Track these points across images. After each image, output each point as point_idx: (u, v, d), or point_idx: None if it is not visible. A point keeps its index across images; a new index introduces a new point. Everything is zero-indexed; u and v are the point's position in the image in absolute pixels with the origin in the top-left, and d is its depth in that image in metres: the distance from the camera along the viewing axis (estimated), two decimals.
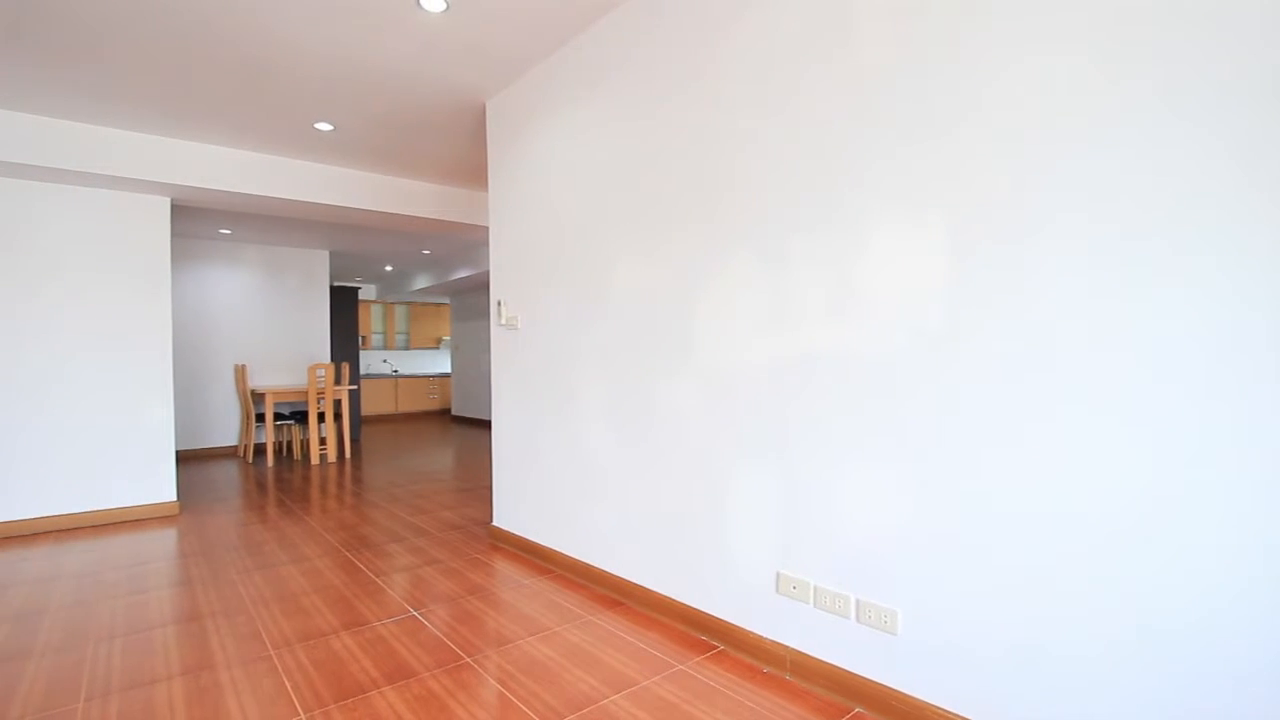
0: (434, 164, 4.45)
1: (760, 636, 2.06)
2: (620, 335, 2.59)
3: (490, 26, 2.66)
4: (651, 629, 2.34)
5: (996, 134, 1.48)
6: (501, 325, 3.31)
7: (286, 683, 1.98)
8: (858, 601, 1.79)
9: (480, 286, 9.14)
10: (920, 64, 1.62)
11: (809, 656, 1.91)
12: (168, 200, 4.23)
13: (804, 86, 1.89)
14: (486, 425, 9.31)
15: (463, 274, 7.99)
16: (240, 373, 6.56)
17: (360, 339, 8.15)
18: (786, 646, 1.98)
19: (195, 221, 5.87)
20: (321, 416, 6.66)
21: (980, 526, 1.53)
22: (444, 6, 2.49)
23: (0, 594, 2.78)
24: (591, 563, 2.77)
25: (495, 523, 3.45)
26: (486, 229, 5.36)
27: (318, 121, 3.65)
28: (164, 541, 3.57)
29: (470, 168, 4.54)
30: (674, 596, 2.38)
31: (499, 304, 3.33)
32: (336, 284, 7.79)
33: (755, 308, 2.04)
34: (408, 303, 11.50)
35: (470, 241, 7.02)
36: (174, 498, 4.25)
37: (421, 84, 3.17)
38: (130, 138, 3.79)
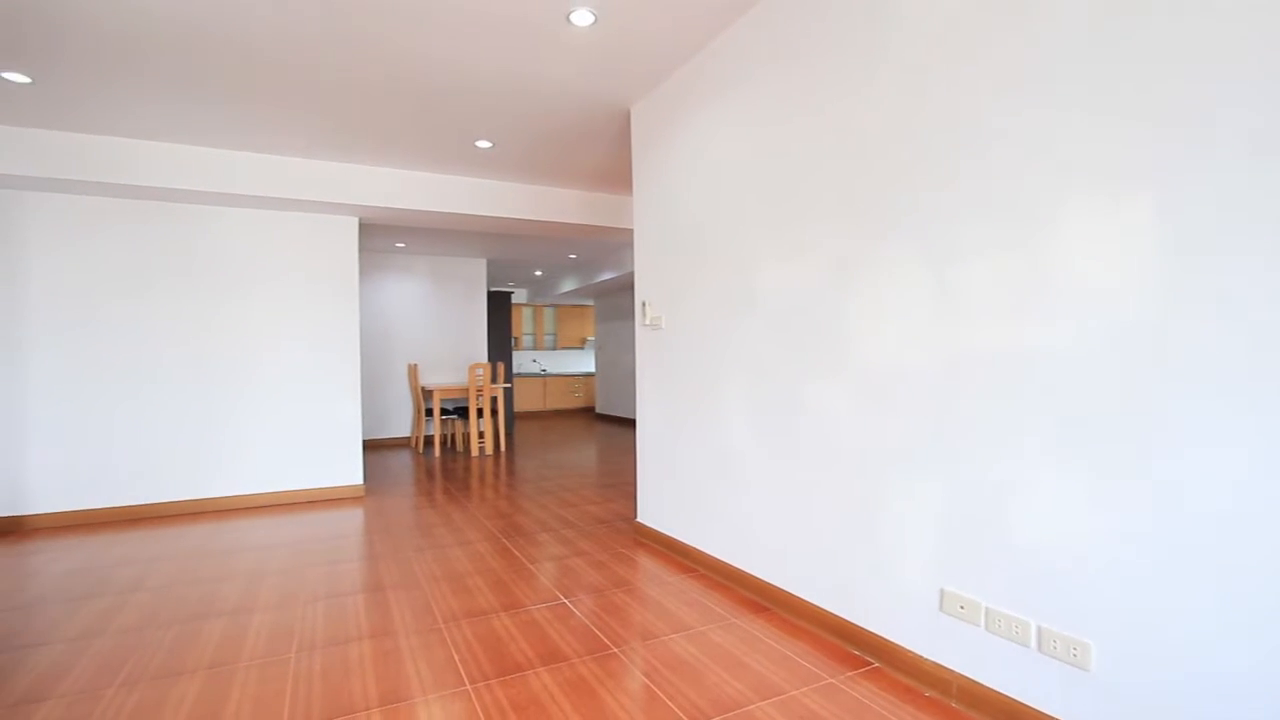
0: (581, 172, 4.65)
1: (920, 656, 1.91)
2: (766, 335, 2.54)
3: (635, 36, 2.72)
4: (798, 637, 2.26)
5: (1228, 94, 1.25)
6: (645, 325, 3.38)
7: (455, 655, 2.16)
8: (1039, 629, 1.60)
9: (623, 288, 9.42)
10: (1130, 15, 1.41)
11: (979, 684, 1.74)
12: (356, 219, 4.80)
13: (979, 56, 1.72)
14: (629, 423, 9.57)
15: (607, 276, 8.28)
16: (412, 372, 7.29)
17: (513, 340, 8.75)
18: (951, 670, 1.82)
19: (376, 237, 6.61)
20: (480, 412, 7.22)
21: (1216, 557, 1.30)
22: (592, 20, 2.59)
23: (232, 557, 3.31)
24: (735, 564, 2.74)
25: (639, 518, 3.52)
26: (630, 232, 5.51)
27: (478, 140, 3.96)
28: (353, 520, 4.06)
29: (615, 173, 4.69)
30: (822, 605, 2.28)
31: (643, 304, 3.40)
32: (492, 289, 8.41)
33: (917, 304, 1.90)
34: (555, 305, 12.13)
35: (614, 244, 7.25)
36: (361, 481, 4.82)
37: (572, 96, 3.33)
38: (326, 167, 4.35)
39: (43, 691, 1.95)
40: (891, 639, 2.02)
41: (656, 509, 3.34)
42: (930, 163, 1.85)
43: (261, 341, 4.53)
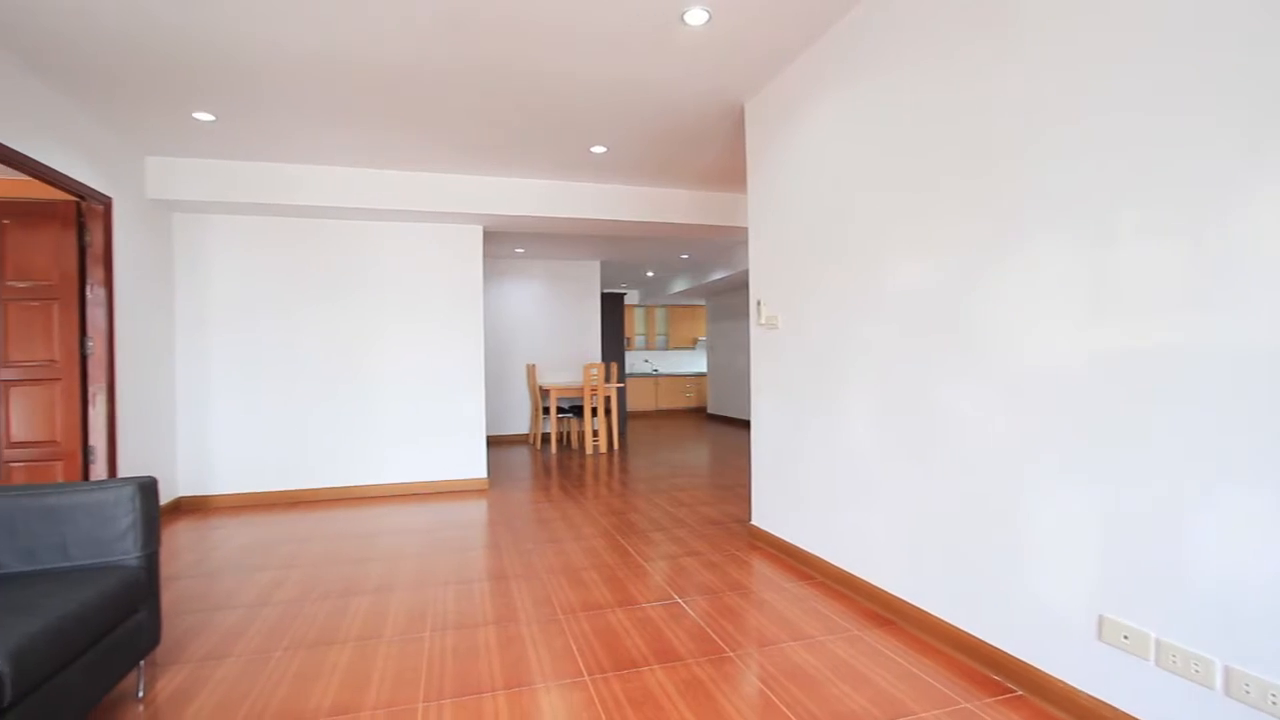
0: (693, 171, 4.64)
1: (1073, 688, 1.72)
2: (892, 333, 2.39)
3: (749, 31, 2.67)
4: (926, 655, 2.11)
5: None
6: (761, 325, 3.31)
7: (573, 645, 2.22)
8: (1227, 669, 1.38)
9: (736, 287, 9.31)
10: None
11: None
12: (480, 228, 5.09)
13: (1147, 22, 1.53)
14: (741, 424, 9.43)
15: (719, 276, 8.22)
16: (531, 371, 7.62)
17: (625, 340, 8.91)
18: (1114, 708, 1.62)
19: (497, 244, 6.98)
20: (594, 411, 7.42)
21: None
22: (706, 18, 2.57)
23: (373, 540, 3.61)
24: (856, 574, 2.61)
25: (753, 521, 3.46)
26: (743, 230, 5.43)
27: (593, 146, 4.06)
28: (477, 511, 4.30)
29: (727, 171, 4.64)
30: (954, 622, 2.12)
31: (758, 303, 3.33)
32: (606, 291, 8.61)
33: (1069, 297, 1.71)
34: (666, 305, 12.22)
35: (726, 243, 7.18)
36: (484, 475, 5.10)
37: (685, 96, 3.32)
38: (454, 180, 4.64)
39: (225, 649, 2.23)
40: (1038, 665, 1.83)
41: (772, 513, 3.26)
42: (1084, 139, 1.65)
43: (397, 344, 4.92)
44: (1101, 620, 1.64)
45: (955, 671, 2.00)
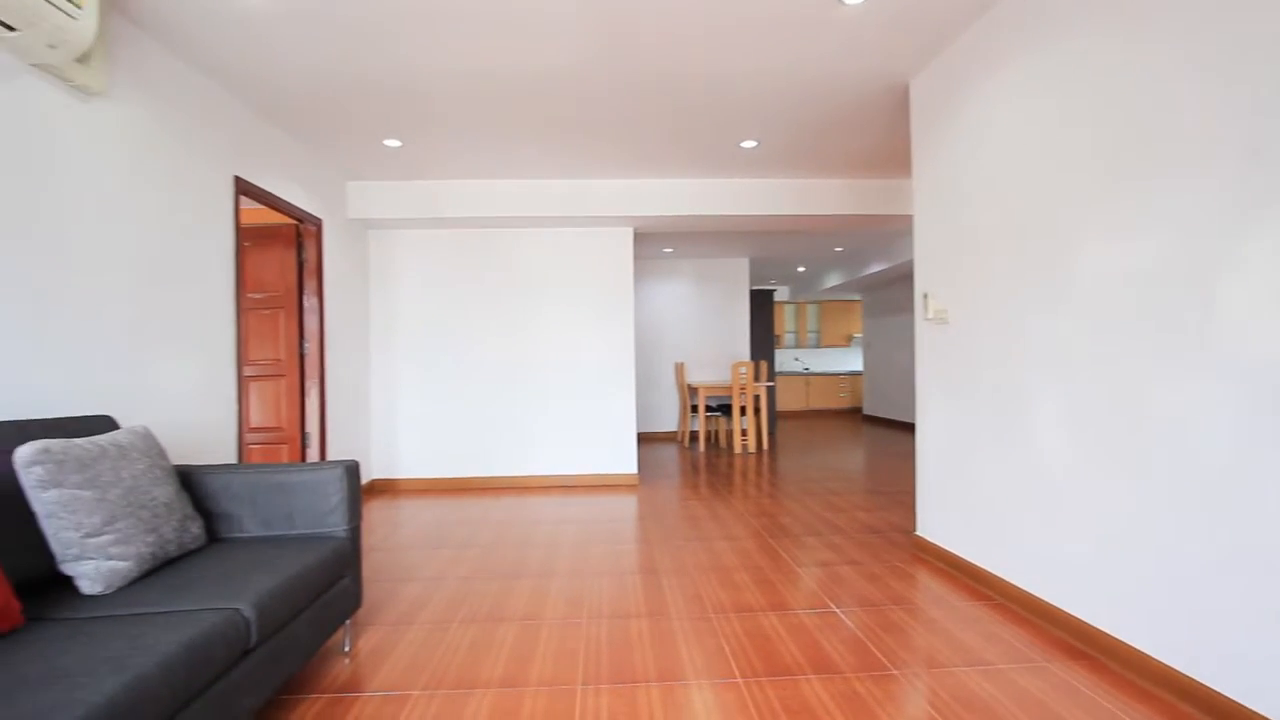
0: (848, 159, 4.40)
1: None
2: (1087, 325, 2.09)
3: (913, 3, 2.47)
4: (1139, 700, 1.81)
5: None
6: (928, 320, 3.05)
7: (724, 646, 2.19)
8: None
9: (895, 280, 8.72)
10: None
11: None
12: (631, 229, 5.22)
13: None
14: (901, 426, 8.82)
15: (876, 269, 7.75)
16: (679, 370, 7.70)
17: (774, 338, 8.69)
18: None
19: (647, 244, 7.13)
20: (743, 410, 7.32)
21: None
22: None
23: (535, 527, 3.84)
24: (1044, 597, 2.31)
25: (918, 532, 3.20)
26: (901, 219, 5.06)
27: (743, 141, 3.99)
28: (628, 505, 4.42)
29: (886, 157, 4.34)
30: (1174, 665, 1.80)
31: (924, 296, 3.08)
32: (755, 288, 8.47)
33: None
34: (818, 301, 11.75)
35: (883, 234, 6.75)
36: (635, 471, 5.23)
37: (842, 81, 3.16)
38: (607, 184, 4.81)
39: (410, 617, 2.49)
40: None
41: (941, 524, 3.00)
42: None
43: (554, 343, 5.20)
44: None
45: None
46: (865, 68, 3.04)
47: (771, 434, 8.18)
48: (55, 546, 1.57)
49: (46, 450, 1.57)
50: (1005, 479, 2.51)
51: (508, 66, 2.97)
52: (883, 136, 3.96)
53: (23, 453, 1.54)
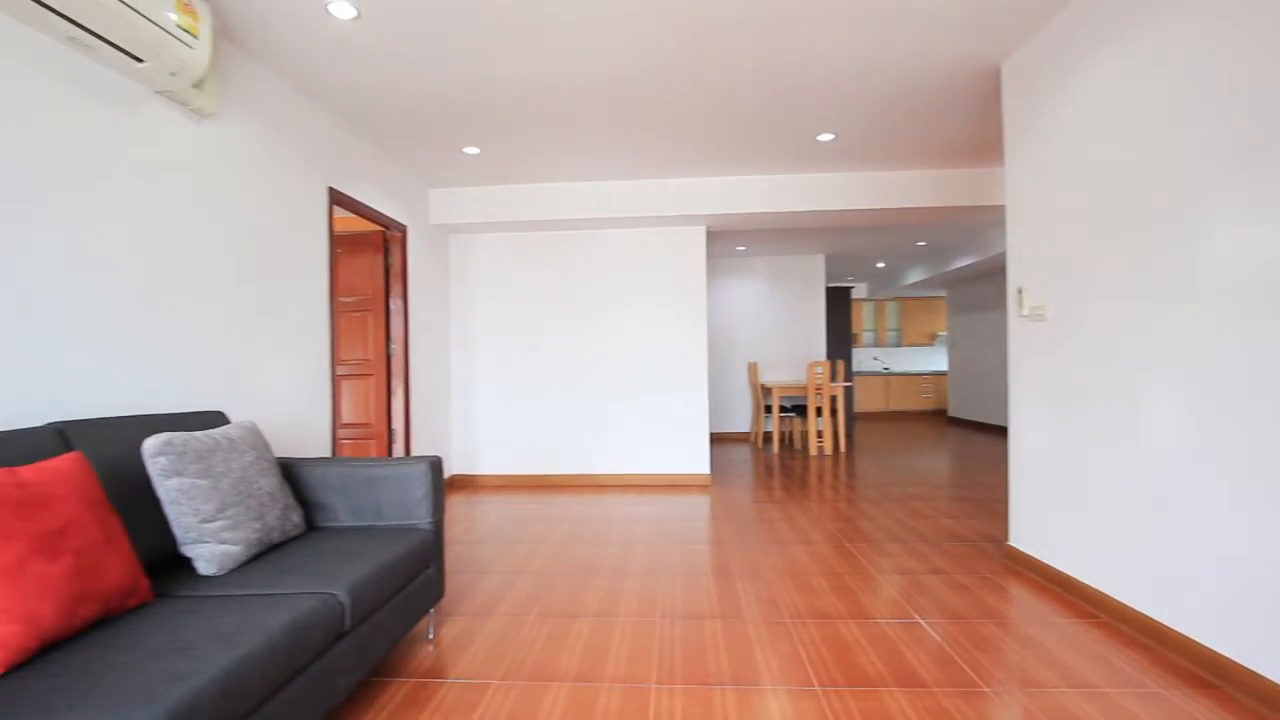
0: (931, 149, 4.20)
1: None
2: (1221, 322, 1.90)
3: None
4: None
5: None
6: (1023, 316, 2.87)
7: (801, 652, 2.14)
8: None
9: (984, 275, 8.26)
10: None
11: None
12: (703, 228, 5.19)
13: None
14: (991, 429, 8.35)
15: (962, 263, 7.37)
16: (752, 369, 7.58)
17: (852, 337, 8.40)
18: None
19: (719, 243, 7.06)
20: (819, 411, 7.13)
21: None
22: None
23: (607, 525, 3.88)
24: (1158, 618, 2.12)
25: (1011, 542, 3.01)
26: (994, 210, 4.78)
27: (820, 134, 3.89)
28: (701, 506, 4.39)
29: (974, 145, 4.12)
30: None
31: (1019, 292, 2.89)
32: (831, 285, 8.23)
33: None
34: (899, 298, 11.30)
35: (971, 226, 6.41)
36: (707, 471, 5.19)
37: (927, 66, 3.02)
38: (678, 184, 4.80)
39: (490, 608, 2.56)
40: None
41: (1038, 535, 2.81)
42: None
43: (626, 343, 5.24)
44: None
45: None
46: (951, 53, 2.89)
47: (849, 435, 7.93)
48: (176, 530, 1.72)
49: (169, 442, 1.71)
50: (1117, 488, 2.32)
51: (583, 72, 3.01)
52: (970, 124, 3.76)
53: (149, 444, 1.69)
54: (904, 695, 1.85)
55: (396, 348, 4.36)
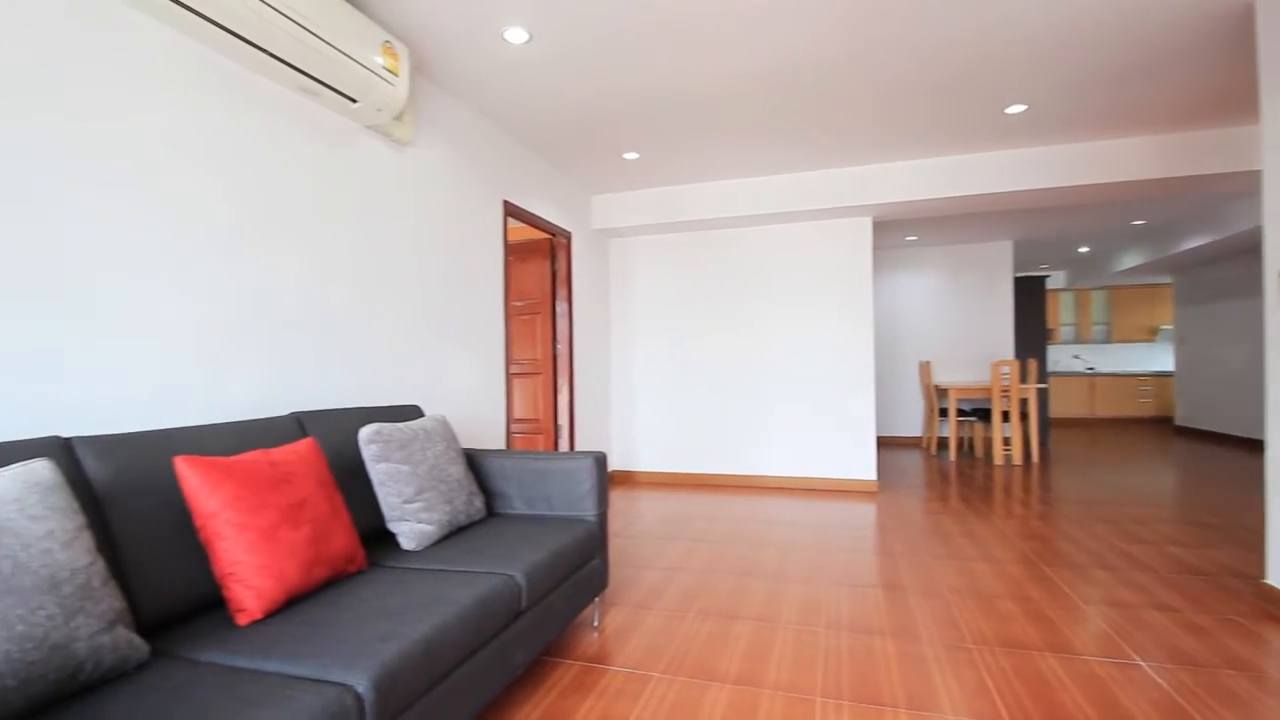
0: (1151, 112, 3.58)
1: None
2: None
3: None
4: None
5: None
6: None
7: (988, 682, 1.93)
8: None
9: (1223, 256, 6.91)
10: None
11: None
12: (869, 219, 4.89)
13: None
14: (1234, 442, 6.96)
15: (1194, 244, 6.22)
16: (924, 369, 7.00)
17: (1047, 332, 7.42)
18: None
19: (885, 234, 6.61)
20: (1006, 415, 6.41)
21: None
22: None
23: (768, 528, 3.79)
24: None
25: (1270, 580, 2.47)
26: (1239, 177, 3.96)
27: (1009, 106, 3.48)
28: (866, 513, 4.13)
29: (1211, 101, 3.44)
30: None
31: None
32: (1020, 275, 7.35)
33: None
34: (1107, 287, 9.80)
35: (1204, 199, 5.39)
36: (873, 477, 4.88)
37: (1146, 9, 2.58)
38: (838, 174, 4.56)
39: (650, 602, 2.62)
40: None
41: None
42: None
43: (786, 342, 5.09)
44: None
45: None
46: None
47: (1043, 444, 7.03)
48: (384, 509, 1.96)
49: (379, 432, 1.96)
50: None
51: (747, 65, 2.97)
52: (1207, 76, 3.14)
53: (364, 433, 1.95)
54: None
55: (562, 348, 4.62)
